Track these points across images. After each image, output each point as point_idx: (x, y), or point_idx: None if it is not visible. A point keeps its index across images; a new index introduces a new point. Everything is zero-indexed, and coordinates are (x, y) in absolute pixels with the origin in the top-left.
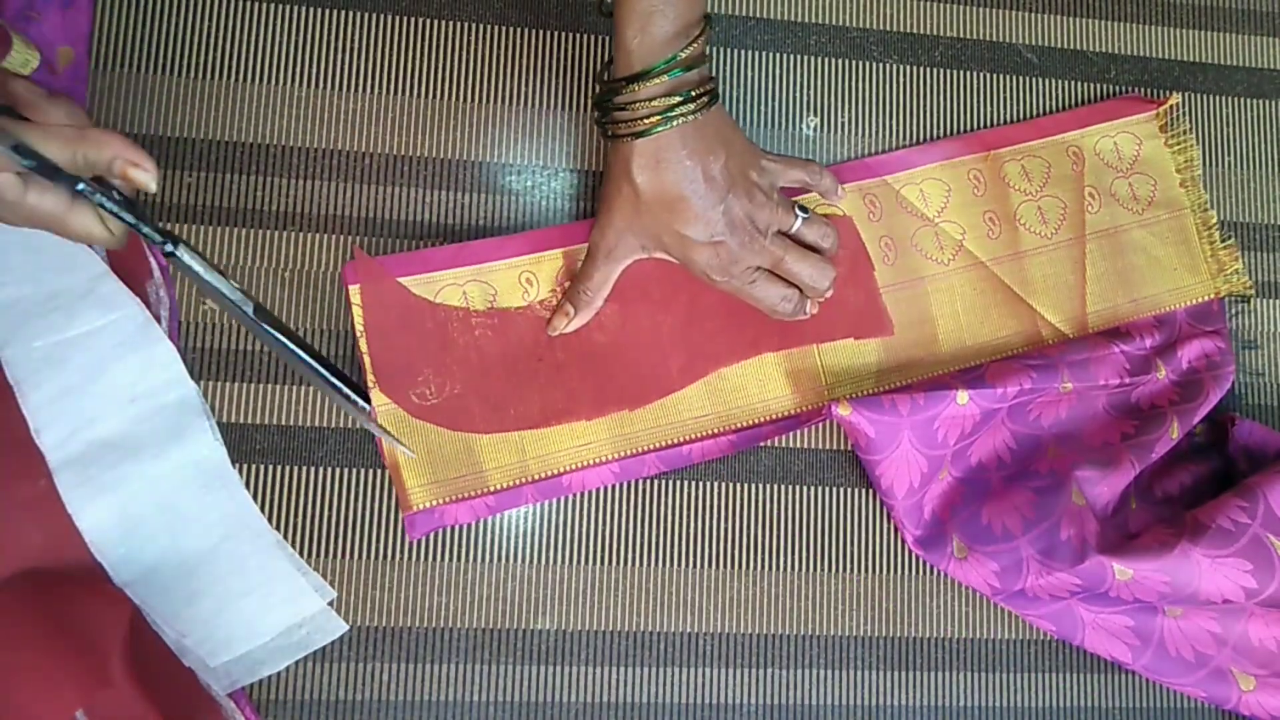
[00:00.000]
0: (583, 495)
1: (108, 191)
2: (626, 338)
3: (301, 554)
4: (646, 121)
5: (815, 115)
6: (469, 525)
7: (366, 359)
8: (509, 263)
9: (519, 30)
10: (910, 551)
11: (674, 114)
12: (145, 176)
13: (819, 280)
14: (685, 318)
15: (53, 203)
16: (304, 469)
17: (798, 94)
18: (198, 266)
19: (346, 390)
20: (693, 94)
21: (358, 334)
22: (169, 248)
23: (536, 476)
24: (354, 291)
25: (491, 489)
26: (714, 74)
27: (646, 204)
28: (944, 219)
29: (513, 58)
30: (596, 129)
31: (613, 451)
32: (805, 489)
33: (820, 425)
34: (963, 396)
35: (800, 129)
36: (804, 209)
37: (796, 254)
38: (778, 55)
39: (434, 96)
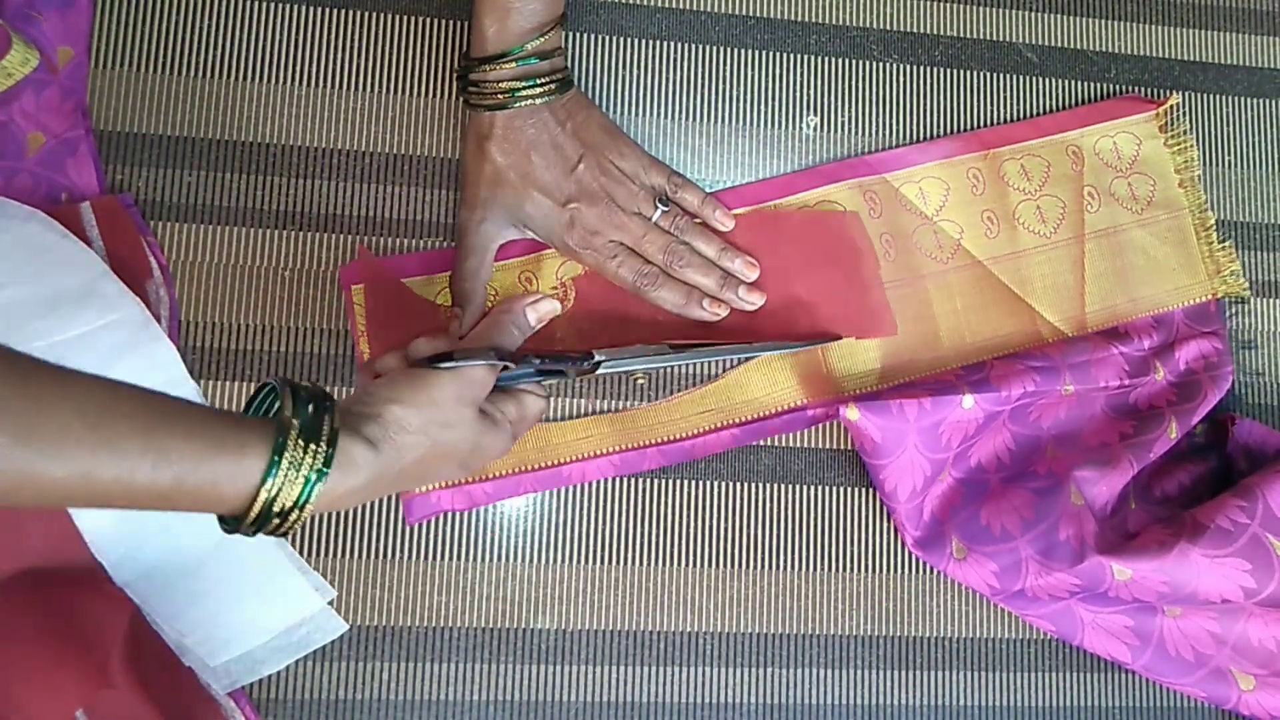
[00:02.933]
0: (583, 494)
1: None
2: (627, 339)
3: (301, 554)
4: (498, 98)
5: (815, 115)
6: (469, 524)
7: (365, 357)
8: (509, 263)
9: None
10: (910, 551)
11: (521, 94)
12: (547, 304)
13: (674, 260)
14: (685, 319)
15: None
16: None
17: (798, 94)
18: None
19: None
20: (539, 81)
21: (357, 334)
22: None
23: (536, 466)
24: (356, 292)
25: (490, 475)
26: (568, 65)
27: (501, 173)
28: (942, 217)
29: None
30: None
31: (614, 444)
32: (805, 489)
33: (819, 427)
34: (968, 401)
35: (800, 129)
36: (665, 202)
37: (657, 235)
38: (778, 55)
39: (434, 96)
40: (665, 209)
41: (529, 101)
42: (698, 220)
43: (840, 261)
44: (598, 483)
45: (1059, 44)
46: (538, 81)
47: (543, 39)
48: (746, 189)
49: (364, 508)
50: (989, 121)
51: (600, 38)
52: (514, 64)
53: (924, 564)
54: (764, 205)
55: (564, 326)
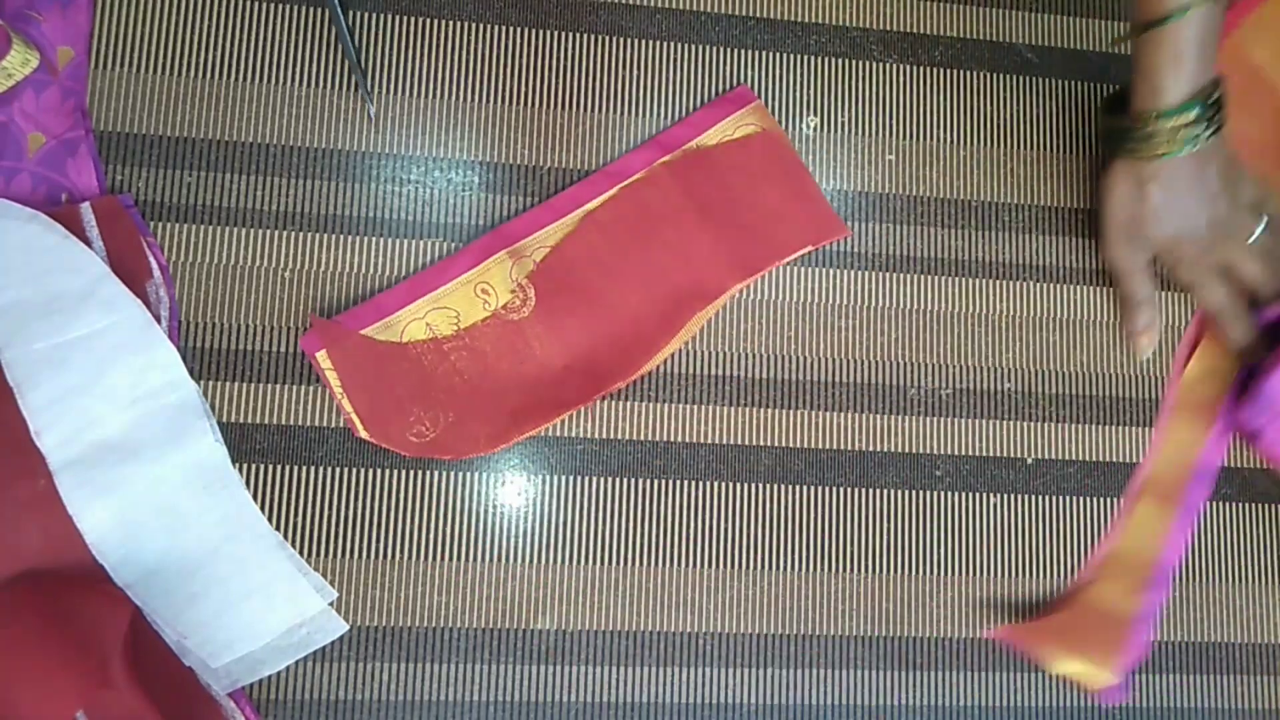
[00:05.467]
0: (583, 494)
1: None
2: (598, 317)
3: (301, 554)
4: (1168, 145)
5: (815, 115)
6: (469, 524)
7: (354, 417)
8: (459, 280)
9: (519, 30)
10: (910, 551)
11: (1194, 136)
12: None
13: (1266, 280)
14: (644, 280)
15: None
16: (304, 469)
17: (798, 94)
18: None
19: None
20: (1210, 120)
21: (337, 396)
22: None
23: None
24: (321, 358)
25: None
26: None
27: (1158, 212)
28: None
29: (513, 57)
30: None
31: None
32: (805, 489)
33: (819, 427)
34: None
35: (800, 129)
36: (1260, 216)
37: (1244, 255)
38: (778, 55)
39: (434, 96)
40: (1264, 223)
41: (1195, 146)
42: None
43: (775, 179)
44: (597, 482)
45: (1059, 44)
46: (1210, 120)
47: (1212, 82)
48: (662, 136)
49: (364, 509)
50: (989, 122)
51: (600, 38)
52: (1195, 113)
53: (924, 564)
54: (686, 147)
55: (533, 327)
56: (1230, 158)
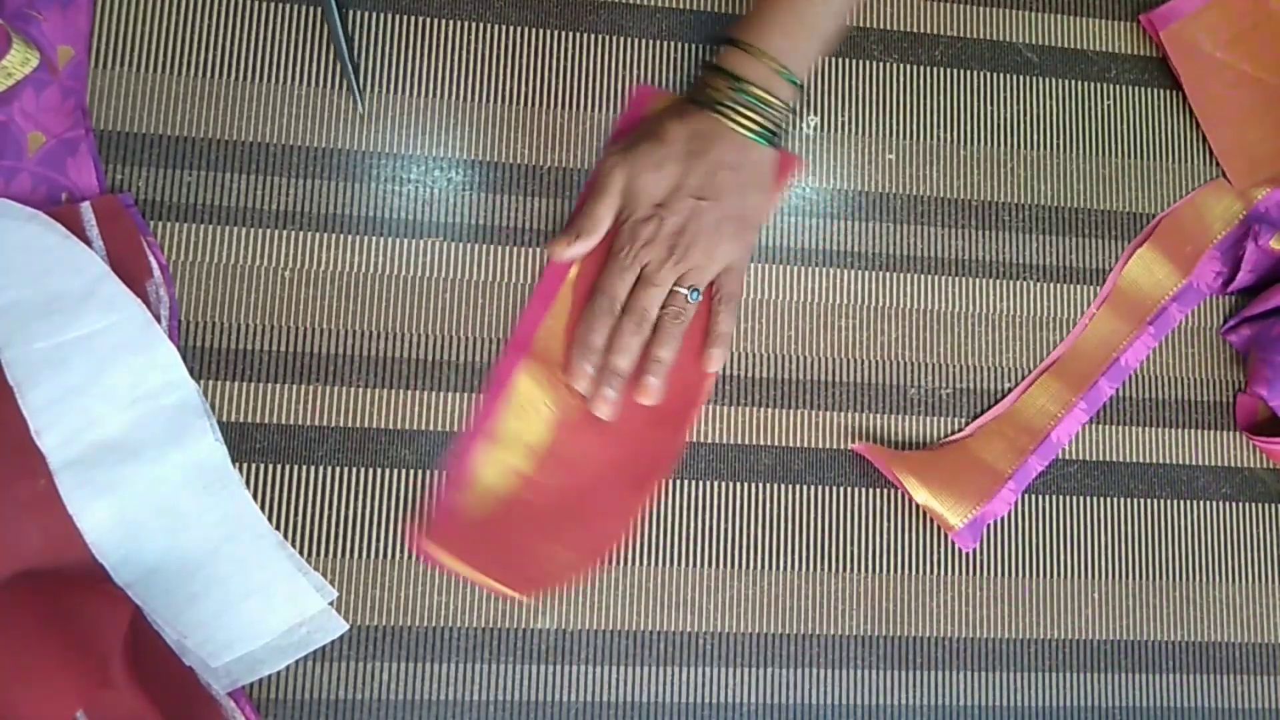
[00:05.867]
0: None
1: None
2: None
3: (301, 554)
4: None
5: (815, 115)
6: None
7: (503, 589)
8: (510, 410)
9: (519, 29)
10: (910, 551)
11: (725, 108)
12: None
13: (658, 337)
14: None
15: None
16: (304, 469)
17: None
18: None
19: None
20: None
21: (479, 583)
22: None
23: None
24: (446, 560)
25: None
26: (783, 125)
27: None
28: None
29: (512, 57)
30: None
31: None
32: (805, 489)
33: (819, 427)
34: None
35: (800, 129)
36: (698, 292)
37: (651, 288)
38: None
39: (433, 96)
40: (695, 298)
41: (729, 123)
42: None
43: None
44: None
45: (1059, 44)
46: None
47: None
48: None
49: (364, 509)
50: (989, 121)
51: (600, 38)
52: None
53: (924, 564)
54: None
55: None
56: (741, 186)
